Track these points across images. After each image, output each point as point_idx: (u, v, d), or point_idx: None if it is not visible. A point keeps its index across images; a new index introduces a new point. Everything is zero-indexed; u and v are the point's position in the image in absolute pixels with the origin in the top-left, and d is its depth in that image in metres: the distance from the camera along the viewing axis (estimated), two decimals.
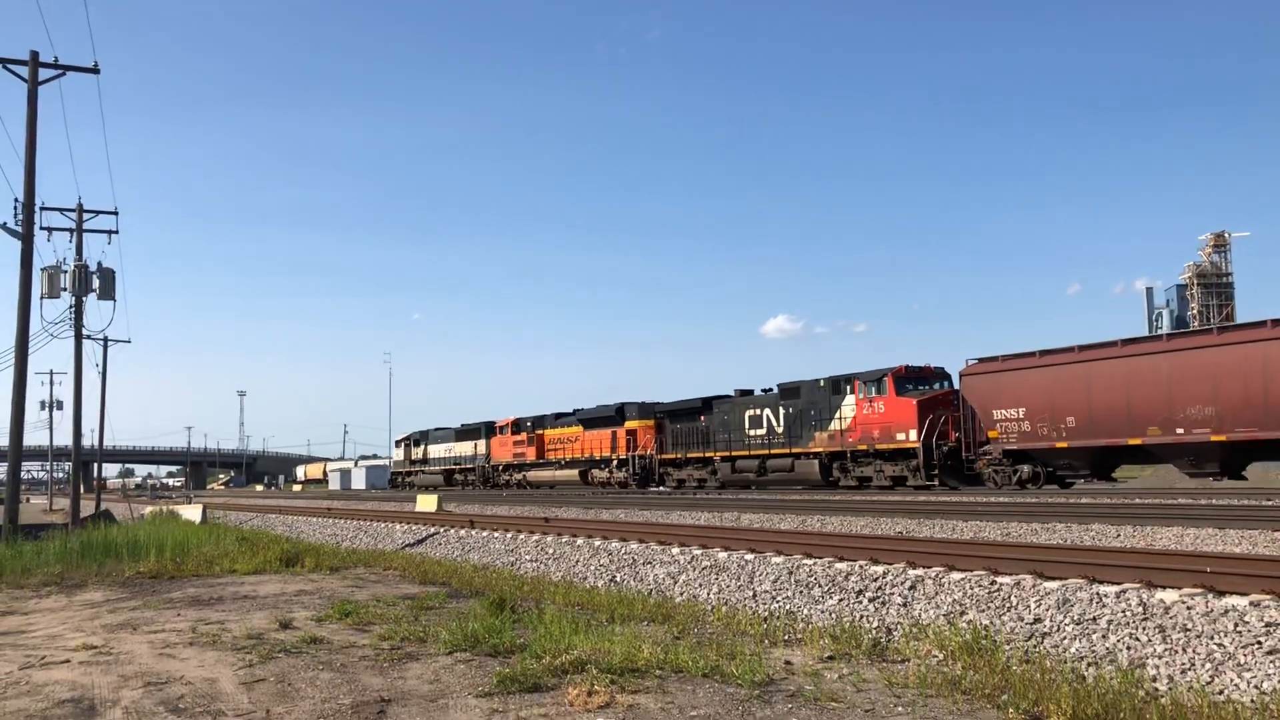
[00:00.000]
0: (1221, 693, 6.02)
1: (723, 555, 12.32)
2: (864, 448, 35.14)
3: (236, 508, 43.37)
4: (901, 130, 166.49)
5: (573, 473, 51.12)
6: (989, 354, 31.98)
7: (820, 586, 10.06)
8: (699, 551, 12.83)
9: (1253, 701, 5.71)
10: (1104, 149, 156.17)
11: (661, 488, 44.63)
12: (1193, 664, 6.51)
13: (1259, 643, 6.50)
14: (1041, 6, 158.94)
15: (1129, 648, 6.96)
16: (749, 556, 11.97)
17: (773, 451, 39.16)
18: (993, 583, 8.86)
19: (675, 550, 13.19)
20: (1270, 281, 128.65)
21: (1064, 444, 29.14)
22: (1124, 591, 7.93)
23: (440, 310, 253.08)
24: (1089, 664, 6.86)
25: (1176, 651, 6.72)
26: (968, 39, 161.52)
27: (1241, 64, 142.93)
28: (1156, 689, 6.15)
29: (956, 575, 9.32)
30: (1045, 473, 30.36)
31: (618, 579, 12.56)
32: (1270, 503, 19.23)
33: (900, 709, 5.67)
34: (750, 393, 41.75)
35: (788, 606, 9.79)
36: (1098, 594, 7.97)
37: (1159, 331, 65.22)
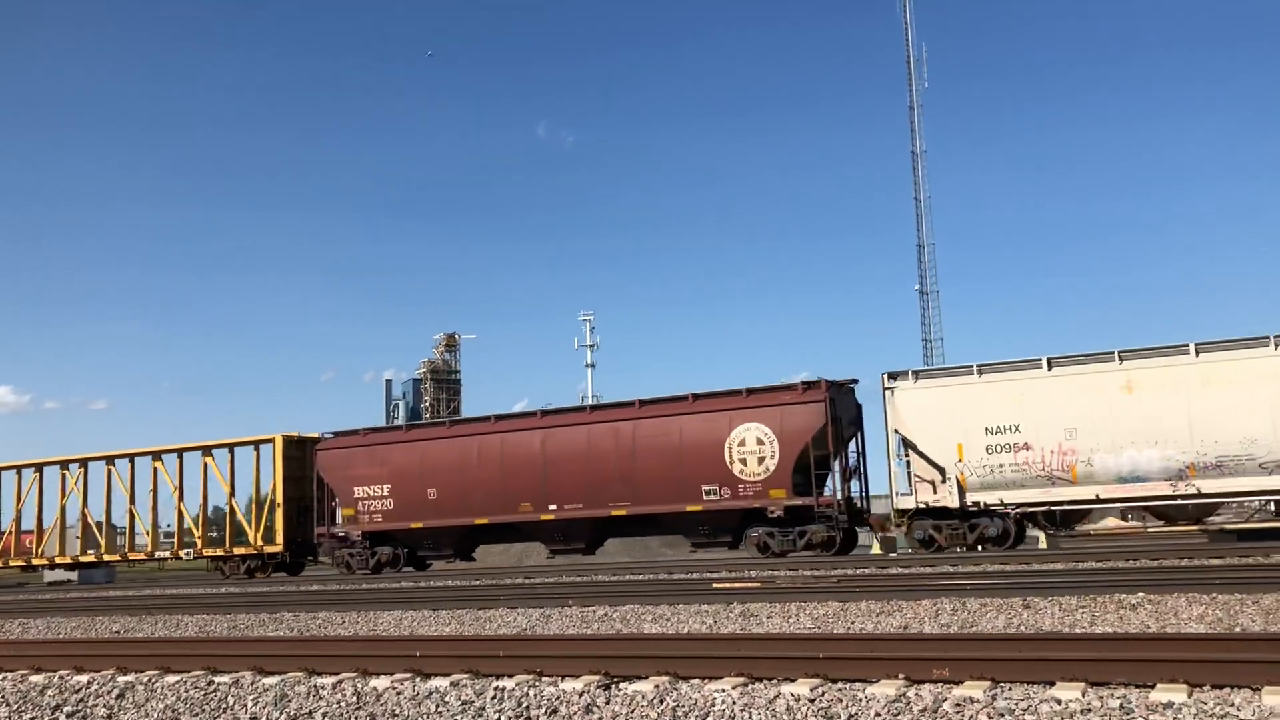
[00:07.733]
0: None
1: None
2: None
3: None
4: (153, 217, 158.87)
5: None
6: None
7: (9, 705, 8.75)
8: None
9: None
10: (360, 245, 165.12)
11: None
12: None
13: None
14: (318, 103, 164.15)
15: None
16: None
17: None
18: (210, 683, 8.45)
19: None
20: (491, 376, 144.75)
21: None
22: (340, 682, 8.06)
23: None
24: None
25: None
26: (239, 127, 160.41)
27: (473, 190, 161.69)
28: None
29: (172, 678, 8.72)
30: None
31: None
32: (478, 582, 21.26)
33: None
34: None
35: None
36: (315, 686, 7.99)
37: (396, 422, 69.90)
